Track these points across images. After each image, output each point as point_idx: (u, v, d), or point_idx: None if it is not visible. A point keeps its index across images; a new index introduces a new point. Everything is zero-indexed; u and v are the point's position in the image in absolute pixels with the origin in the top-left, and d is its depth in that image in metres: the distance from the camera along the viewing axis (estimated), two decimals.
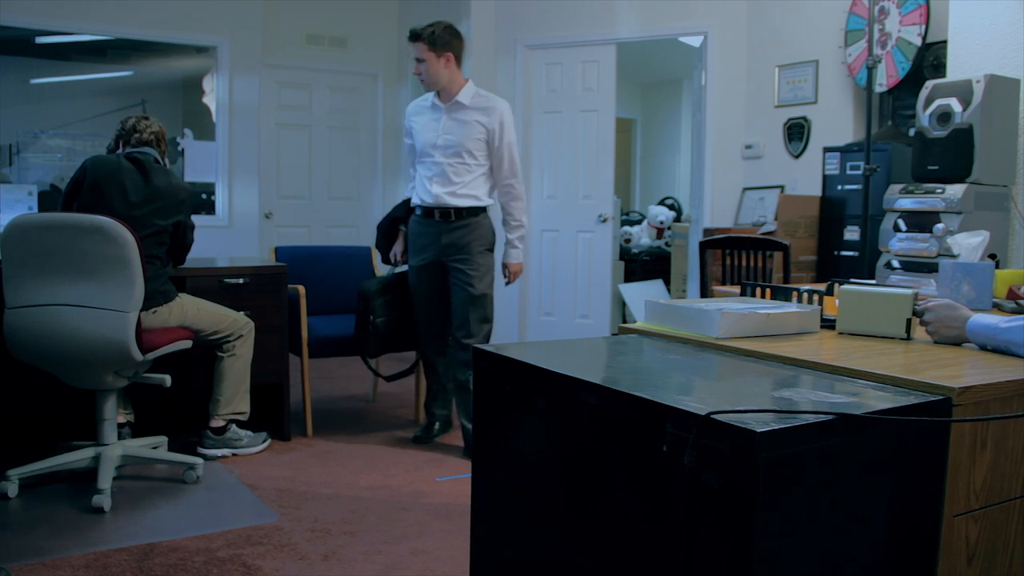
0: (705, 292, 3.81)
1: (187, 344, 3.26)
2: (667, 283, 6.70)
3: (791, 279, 3.68)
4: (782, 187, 5.21)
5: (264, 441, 3.66)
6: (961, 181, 3.47)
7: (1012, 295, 2.34)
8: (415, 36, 3.62)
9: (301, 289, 3.92)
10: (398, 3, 7.05)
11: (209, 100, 6.23)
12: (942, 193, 3.48)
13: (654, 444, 1.20)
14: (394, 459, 3.59)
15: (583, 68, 5.79)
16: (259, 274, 3.74)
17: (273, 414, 3.86)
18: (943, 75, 3.97)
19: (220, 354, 3.46)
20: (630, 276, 6.88)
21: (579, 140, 5.82)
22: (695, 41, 5.69)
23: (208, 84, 6.22)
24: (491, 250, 3.66)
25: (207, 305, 3.42)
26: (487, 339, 3.62)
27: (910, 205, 3.60)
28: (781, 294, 2.10)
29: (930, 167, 3.58)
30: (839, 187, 4.61)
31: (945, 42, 3.94)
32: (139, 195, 3.18)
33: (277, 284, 3.78)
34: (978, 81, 3.42)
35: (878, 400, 1.26)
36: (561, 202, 5.89)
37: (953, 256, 3.22)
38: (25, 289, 2.89)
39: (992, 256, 2.95)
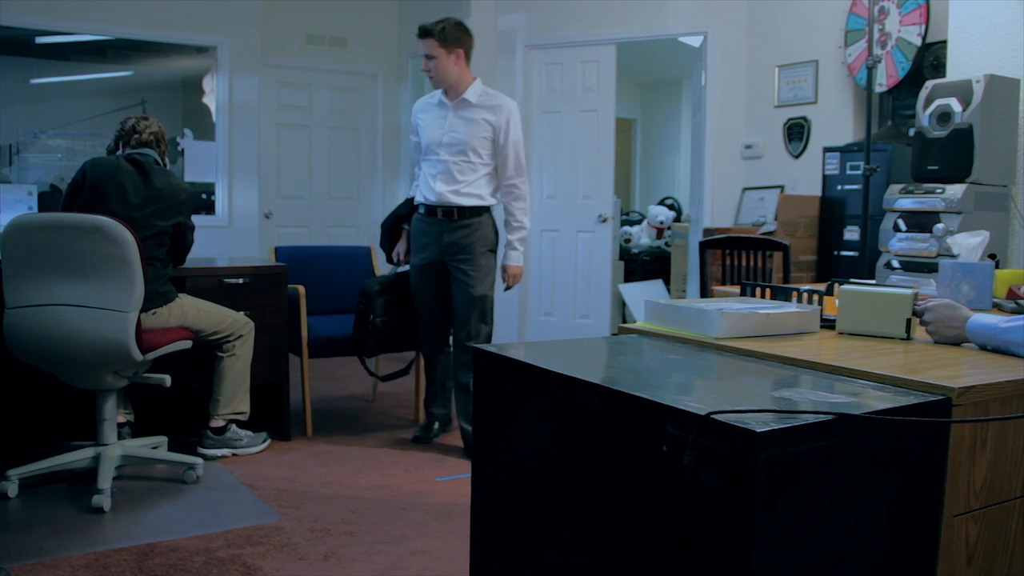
0: (705, 292, 3.81)
1: (187, 344, 3.26)
2: (667, 283, 6.70)
3: (791, 279, 3.68)
4: (782, 187, 5.21)
5: (264, 441, 3.66)
6: (961, 181, 3.47)
7: (1012, 295, 2.34)
8: (425, 32, 3.58)
9: (301, 289, 3.91)
10: (398, 3, 7.05)
11: (209, 100, 6.23)
12: (942, 193, 3.48)
13: (654, 444, 1.20)
14: (394, 459, 3.59)
15: (583, 68, 5.79)
16: (259, 274, 3.74)
17: (273, 414, 3.86)
18: (943, 75, 3.97)
19: (220, 354, 3.46)
20: (630, 276, 6.88)
21: (579, 140, 5.82)
22: (695, 41, 5.69)
23: (208, 84, 6.22)
24: (493, 251, 3.65)
25: (207, 305, 3.42)
26: (488, 340, 3.61)
27: (910, 205, 3.61)
28: (781, 294, 2.10)
29: (930, 167, 3.58)
30: (839, 187, 4.61)
31: (945, 42, 3.94)
32: (139, 196, 3.18)
33: (277, 284, 3.78)
34: (978, 81, 3.42)
35: (878, 400, 1.26)
36: (561, 202, 5.89)
37: (953, 256, 3.22)
38: (25, 289, 2.89)
39: (992, 256, 2.95)
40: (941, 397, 1.28)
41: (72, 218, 2.88)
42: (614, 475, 1.31)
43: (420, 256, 3.67)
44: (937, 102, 3.55)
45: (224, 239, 6.01)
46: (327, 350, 4.01)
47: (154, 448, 3.35)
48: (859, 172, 4.18)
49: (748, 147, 5.45)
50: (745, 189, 5.47)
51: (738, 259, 3.77)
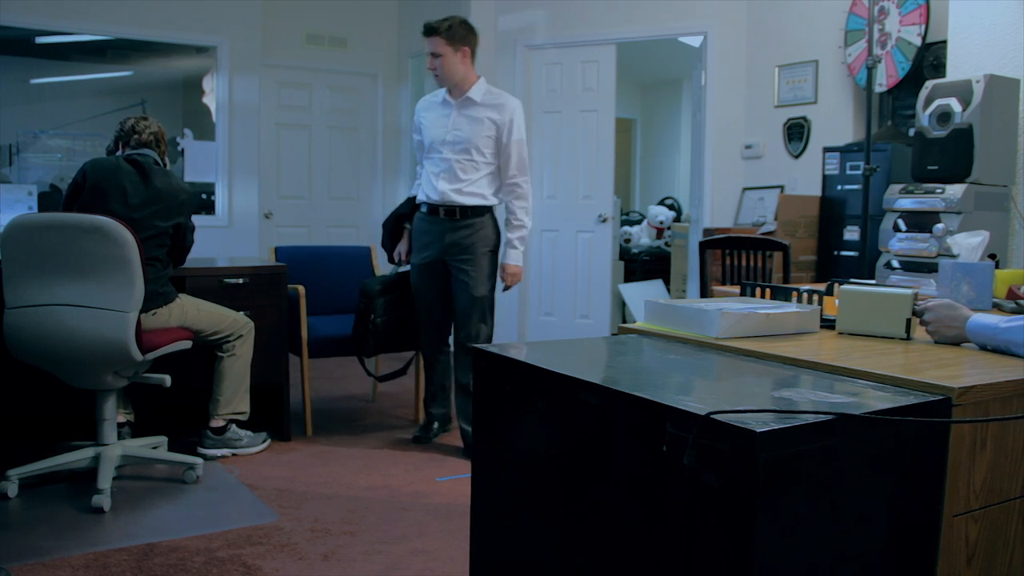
0: (705, 292, 3.80)
1: (187, 344, 3.26)
2: (667, 283, 6.70)
3: (791, 279, 3.68)
4: (782, 187, 5.21)
5: (264, 441, 3.66)
6: (961, 181, 3.47)
7: (1012, 295, 2.34)
8: (431, 30, 3.54)
9: (301, 289, 3.91)
10: (398, 3, 7.05)
11: (209, 100, 6.22)
12: (942, 193, 3.48)
13: (654, 444, 1.20)
14: (394, 459, 3.59)
15: (583, 68, 5.79)
16: (259, 274, 3.74)
17: (273, 414, 3.86)
18: (943, 75, 3.97)
19: (220, 354, 3.46)
20: (630, 276, 6.88)
21: (579, 140, 5.82)
22: (695, 41, 5.69)
23: (208, 84, 6.22)
24: (495, 252, 3.64)
25: (207, 306, 3.42)
26: (488, 341, 3.60)
27: (910, 205, 3.61)
28: (781, 294, 2.10)
29: (930, 167, 3.58)
30: (839, 187, 4.61)
31: (945, 42, 3.94)
32: (139, 197, 3.18)
33: (277, 284, 3.78)
34: (978, 81, 3.42)
35: (878, 400, 1.26)
36: (561, 202, 5.89)
37: (953, 256, 3.22)
38: (25, 289, 2.89)
39: (992, 256, 2.95)
40: (941, 397, 1.28)
41: (72, 218, 2.88)
42: (614, 475, 1.31)
43: (421, 255, 3.66)
44: (937, 102, 3.55)
45: (224, 239, 6.01)
46: (327, 350, 4.00)
47: (154, 448, 3.35)
48: (859, 172, 4.18)
49: (748, 147, 5.45)
50: (745, 189, 5.47)
51: (738, 259, 3.77)
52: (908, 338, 1.77)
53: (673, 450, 1.16)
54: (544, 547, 1.48)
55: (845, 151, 4.62)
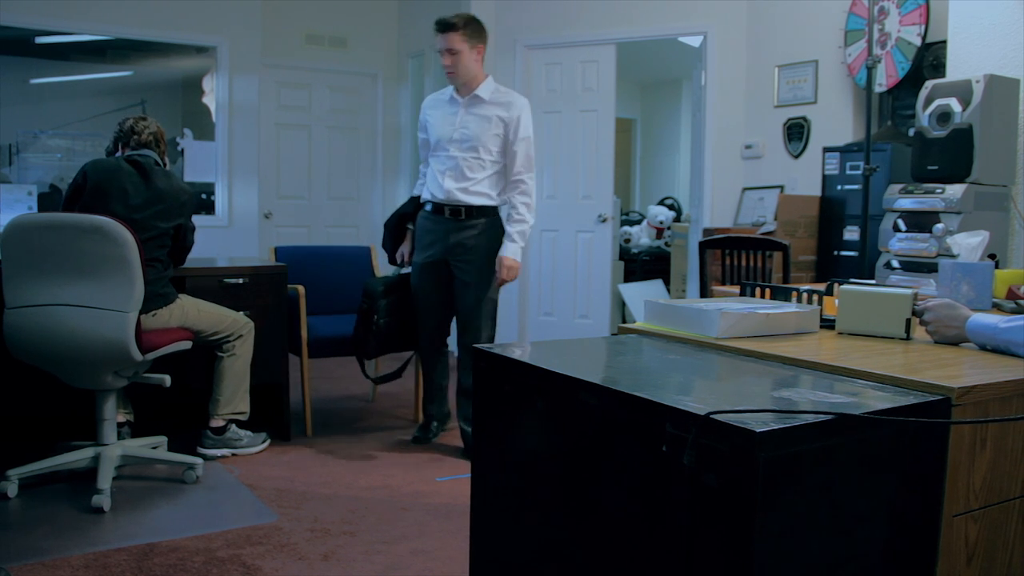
0: (705, 292, 3.80)
1: (187, 345, 3.26)
2: (667, 283, 6.70)
3: (791, 279, 3.68)
4: (782, 187, 5.21)
5: (264, 441, 3.66)
6: (961, 181, 3.47)
7: (1012, 295, 2.34)
8: (448, 26, 3.49)
9: (301, 289, 3.91)
10: (398, 3, 7.05)
11: (209, 100, 6.22)
12: (942, 193, 3.48)
13: (654, 444, 1.20)
14: (394, 459, 3.59)
15: (583, 68, 5.79)
16: (259, 274, 3.74)
17: (273, 414, 3.86)
18: (943, 75, 3.97)
19: (220, 354, 3.46)
20: (630, 276, 6.88)
21: (579, 140, 5.81)
22: (695, 41, 5.69)
23: (208, 84, 6.22)
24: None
25: (207, 306, 3.42)
26: (491, 343, 3.59)
27: (910, 205, 3.60)
28: (781, 294, 2.10)
29: (930, 167, 3.58)
30: (839, 187, 4.61)
31: (945, 42, 3.94)
32: (140, 198, 3.18)
33: (277, 284, 3.78)
34: (978, 81, 3.42)
35: (877, 400, 1.26)
36: (561, 202, 5.89)
37: (953, 256, 3.22)
38: (25, 289, 2.89)
39: (992, 256, 2.95)
40: (941, 397, 1.28)
41: (72, 218, 2.88)
42: (614, 475, 1.31)
43: (424, 254, 3.62)
44: (937, 102, 3.55)
45: (224, 239, 6.01)
46: (327, 350, 4.00)
47: (154, 448, 3.35)
48: (859, 172, 4.18)
49: (748, 147, 5.45)
50: (745, 189, 5.47)
51: (738, 259, 3.77)
52: (908, 338, 1.77)
53: (673, 450, 1.16)
54: (544, 547, 1.48)
55: (845, 151, 4.62)
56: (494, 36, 5.88)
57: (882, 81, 4.63)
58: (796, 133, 5.19)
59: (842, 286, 1.87)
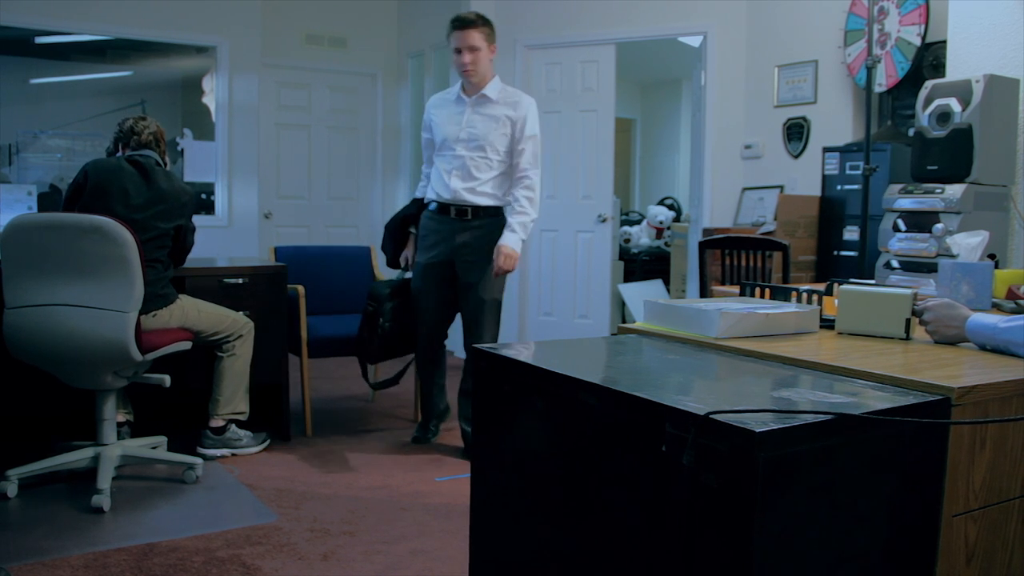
0: (704, 292, 3.80)
1: (187, 345, 3.26)
2: (666, 283, 6.70)
3: (790, 279, 3.68)
4: (781, 187, 5.21)
5: (264, 441, 3.66)
6: (960, 181, 3.47)
7: (1011, 295, 2.34)
8: (469, 23, 3.45)
9: (301, 289, 3.91)
10: (398, 3, 7.05)
11: (208, 100, 6.22)
12: (941, 193, 3.48)
13: (653, 444, 1.20)
14: (393, 459, 3.59)
15: (583, 68, 5.79)
16: (259, 274, 3.74)
17: (273, 414, 3.86)
18: (942, 75, 3.97)
19: (220, 354, 3.46)
20: (629, 276, 6.88)
21: (579, 140, 5.81)
22: (695, 41, 5.69)
23: (208, 84, 6.22)
24: None
25: (207, 306, 3.42)
26: (495, 343, 3.57)
27: (909, 205, 3.60)
28: (780, 294, 2.10)
29: (929, 167, 3.58)
30: (838, 187, 4.61)
31: (944, 42, 3.94)
32: (141, 198, 3.18)
33: (277, 284, 3.78)
34: (977, 81, 3.42)
35: (877, 400, 1.26)
36: (561, 202, 5.89)
37: (952, 256, 3.22)
38: (25, 289, 2.89)
39: (991, 256, 2.95)
40: (940, 397, 1.28)
41: (72, 218, 2.88)
42: (613, 475, 1.31)
43: (428, 255, 3.58)
44: (937, 102, 3.54)
45: (224, 239, 6.01)
46: (327, 350, 4.00)
47: (154, 448, 3.35)
48: (859, 172, 4.18)
49: (748, 147, 5.45)
50: (745, 189, 5.47)
51: (737, 259, 3.77)
52: (907, 338, 1.76)
53: (672, 450, 1.16)
54: (544, 547, 1.48)
55: (845, 151, 4.62)
56: None
57: (882, 81, 4.64)
58: (796, 133, 5.19)
59: (842, 286, 1.87)
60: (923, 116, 3.60)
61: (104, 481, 2.92)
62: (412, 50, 6.84)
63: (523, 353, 1.62)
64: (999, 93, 3.46)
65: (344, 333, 3.94)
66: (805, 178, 5.03)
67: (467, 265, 3.53)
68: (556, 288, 5.92)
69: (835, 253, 4.61)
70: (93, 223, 2.83)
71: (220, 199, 6.20)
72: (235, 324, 3.47)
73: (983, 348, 1.64)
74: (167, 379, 3.15)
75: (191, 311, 3.33)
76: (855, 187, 4.39)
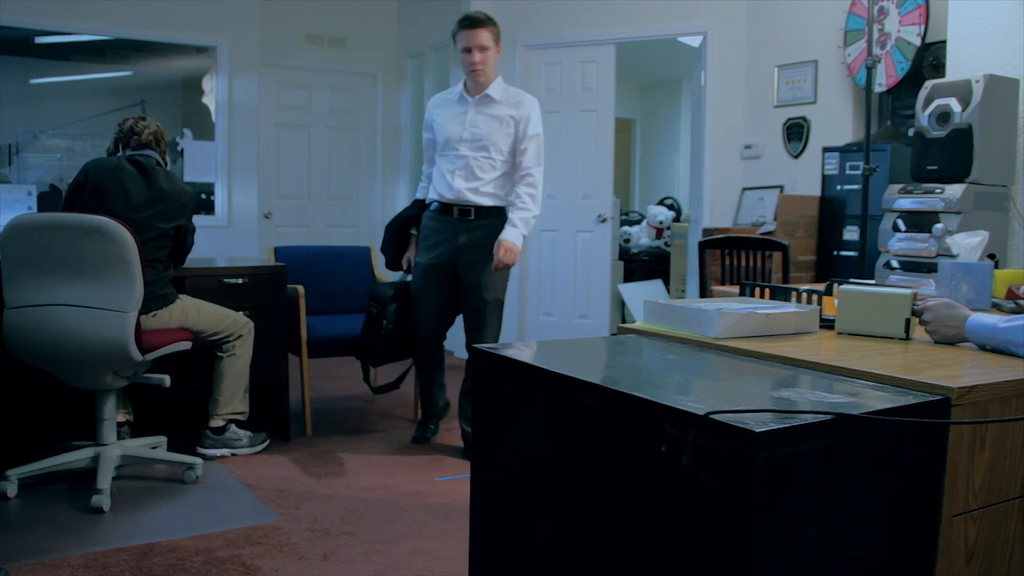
0: (704, 292, 3.80)
1: (187, 345, 3.26)
2: (666, 283, 6.70)
3: (790, 279, 3.68)
4: (781, 187, 5.21)
5: (263, 441, 3.66)
6: (960, 181, 3.47)
7: (1011, 295, 2.34)
8: (480, 22, 3.46)
9: (300, 289, 3.91)
10: (397, 3, 7.05)
11: (208, 100, 6.22)
12: (941, 193, 3.48)
13: (653, 444, 1.20)
14: (393, 459, 3.59)
15: (582, 68, 5.79)
16: (258, 274, 3.74)
17: (272, 414, 3.86)
18: (942, 75, 3.97)
19: (220, 354, 3.46)
20: (629, 276, 6.88)
21: (578, 140, 5.81)
22: (695, 41, 5.69)
23: (207, 84, 6.22)
24: None
25: (207, 306, 3.42)
26: (496, 343, 3.56)
27: (909, 205, 3.60)
28: (780, 294, 2.10)
29: (929, 167, 3.58)
30: (838, 187, 4.61)
31: (944, 42, 3.94)
32: (142, 198, 3.18)
33: (277, 284, 3.78)
34: (977, 81, 3.42)
35: (877, 400, 1.26)
36: (560, 202, 5.89)
37: (952, 256, 3.22)
38: (25, 289, 2.89)
39: (991, 256, 2.95)
40: (940, 397, 1.28)
41: (72, 218, 2.88)
42: (613, 475, 1.31)
43: (430, 255, 3.57)
44: (936, 102, 3.54)
45: (224, 239, 6.01)
46: (326, 350, 4.00)
47: (153, 448, 3.35)
48: (858, 172, 4.18)
49: (747, 147, 5.45)
50: (744, 189, 5.47)
51: (737, 259, 3.77)
52: (907, 338, 1.76)
53: (672, 450, 1.16)
54: (543, 547, 1.48)
55: (844, 151, 4.62)
56: None
57: (882, 81, 4.64)
58: (796, 133, 5.19)
59: (841, 286, 1.87)
60: (923, 116, 3.60)
61: (104, 481, 2.92)
62: (412, 50, 6.84)
63: (523, 353, 1.62)
64: (999, 93, 3.46)
65: (344, 333, 3.94)
66: (805, 178, 5.03)
67: (470, 265, 3.52)
68: (556, 288, 5.92)
69: (835, 253, 4.61)
70: (93, 223, 2.83)
71: (220, 199, 6.20)
72: (235, 324, 3.47)
73: (983, 348, 1.64)
74: (167, 379, 3.15)
75: (191, 311, 3.33)
76: (855, 187, 4.39)
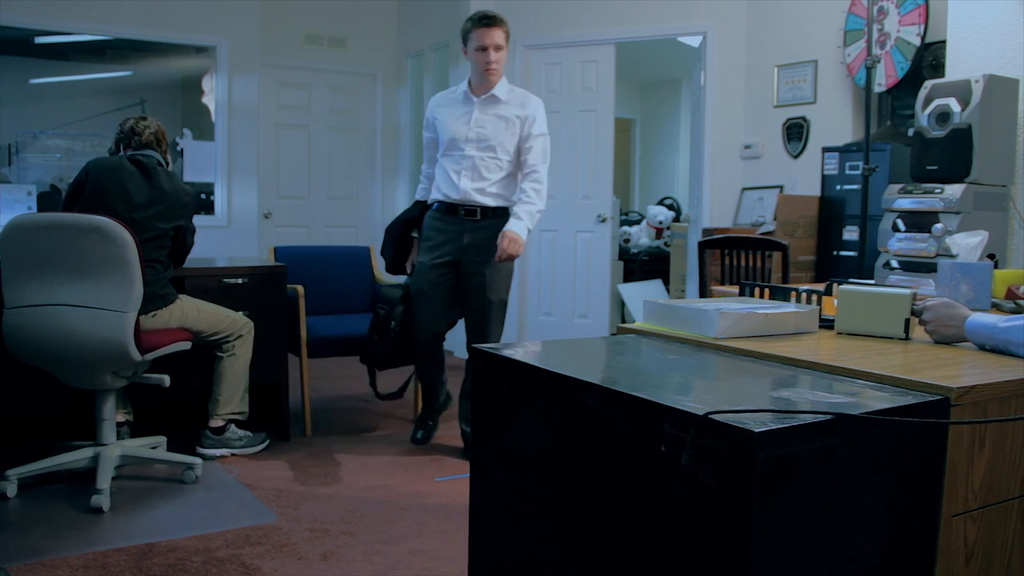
0: (704, 292, 3.80)
1: (186, 345, 3.26)
2: (666, 283, 6.70)
3: (790, 279, 3.68)
4: (781, 187, 5.21)
5: (263, 441, 3.66)
6: (960, 181, 3.47)
7: (1011, 295, 2.34)
8: (497, 21, 3.47)
9: (300, 289, 3.91)
10: (397, 3, 7.05)
11: (208, 100, 6.22)
12: (941, 193, 3.48)
13: (652, 444, 1.20)
14: (393, 459, 3.59)
15: (582, 68, 5.79)
16: (258, 274, 3.74)
17: (272, 414, 3.86)
18: (942, 75, 3.97)
19: (220, 354, 3.46)
20: (629, 276, 6.88)
21: (578, 140, 5.81)
22: (694, 41, 5.69)
23: (207, 84, 6.22)
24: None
25: (206, 306, 3.42)
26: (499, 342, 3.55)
27: (909, 205, 3.60)
28: (780, 294, 2.10)
29: (929, 167, 3.58)
30: (838, 187, 4.61)
31: (944, 42, 3.94)
32: (142, 198, 3.18)
33: (276, 284, 3.78)
34: (977, 81, 3.42)
35: (876, 400, 1.26)
36: (560, 202, 5.89)
37: (952, 256, 3.22)
38: (24, 289, 2.89)
39: (991, 256, 2.95)
40: (940, 397, 1.28)
41: (71, 218, 2.88)
42: (612, 475, 1.31)
43: (433, 255, 3.54)
44: (936, 102, 3.55)
45: (223, 239, 6.01)
46: (326, 350, 4.00)
47: (153, 448, 3.35)
48: (858, 172, 4.18)
49: (747, 147, 5.45)
50: (744, 189, 5.47)
51: (737, 259, 3.77)
52: (907, 338, 1.76)
53: (671, 450, 1.16)
54: (543, 547, 1.48)
55: (844, 151, 4.62)
56: None
57: (881, 81, 4.64)
58: (795, 133, 5.19)
59: (841, 286, 1.87)
60: (922, 116, 3.60)
61: (104, 481, 2.92)
62: (412, 50, 6.84)
63: (522, 353, 1.62)
64: (999, 93, 3.46)
65: (344, 333, 3.94)
66: (805, 178, 5.03)
67: (474, 266, 3.50)
68: (556, 288, 5.92)
69: (834, 253, 4.62)
70: (92, 223, 2.83)
71: (220, 199, 6.20)
72: (235, 324, 3.47)
73: (982, 348, 1.64)
74: (167, 379, 3.15)
75: (191, 311, 3.33)
76: (855, 187, 4.39)
